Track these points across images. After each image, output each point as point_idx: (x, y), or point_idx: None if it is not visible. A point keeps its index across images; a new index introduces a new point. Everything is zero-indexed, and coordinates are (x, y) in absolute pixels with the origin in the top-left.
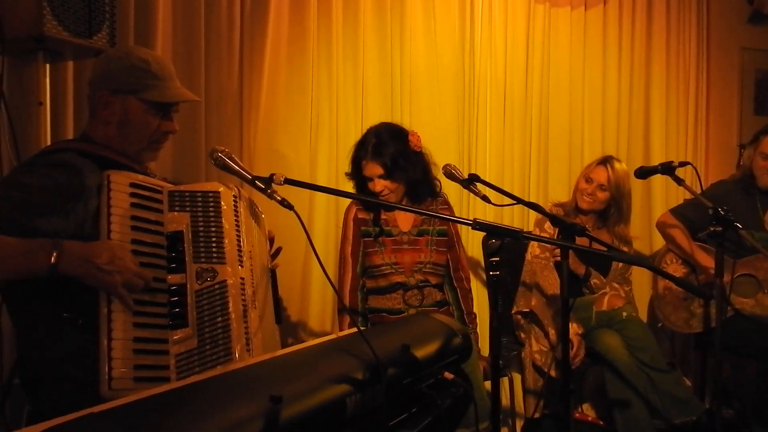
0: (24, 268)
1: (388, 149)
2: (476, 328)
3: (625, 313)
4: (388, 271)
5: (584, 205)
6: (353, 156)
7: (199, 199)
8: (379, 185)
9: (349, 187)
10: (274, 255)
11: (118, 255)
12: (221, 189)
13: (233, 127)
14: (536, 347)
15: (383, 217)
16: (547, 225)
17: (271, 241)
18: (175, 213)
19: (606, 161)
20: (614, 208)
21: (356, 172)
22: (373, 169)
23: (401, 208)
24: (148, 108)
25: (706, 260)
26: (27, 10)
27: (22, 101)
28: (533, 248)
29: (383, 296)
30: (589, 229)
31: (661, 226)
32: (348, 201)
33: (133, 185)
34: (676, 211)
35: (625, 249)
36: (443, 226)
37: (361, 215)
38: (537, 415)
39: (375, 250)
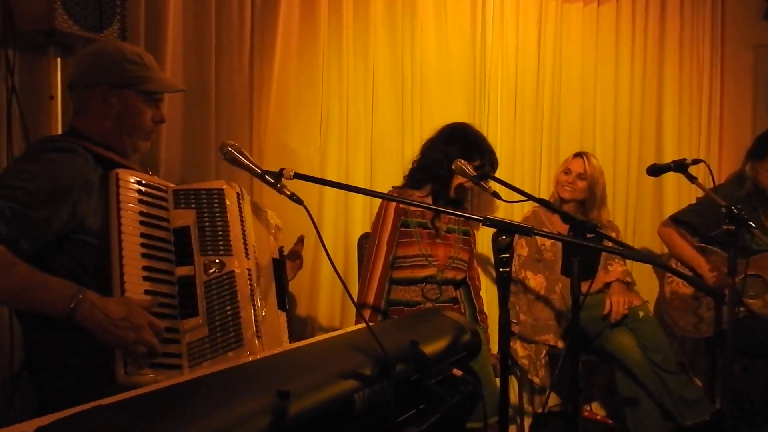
0: (40, 304)
1: None
2: (487, 328)
3: (641, 313)
4: (422, 263)
5: (566, 195)
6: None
7: (204, 196)
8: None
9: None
10: (297, 243)
11: (134, 312)
12: (225, 186)
13: (243, 122)
14: (522, 352)
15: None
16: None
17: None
18: (181, 210)
19: (582, 154)
20: (589, 196)
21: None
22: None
23: (423, 206)
24: (144, 99)
25: (704, 269)
26: (38, 5)
27: (34, 95)
28: (521, 249)
29: (403, 288)
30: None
31: (663, 234)
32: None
33: (138, 183)
34: (676, 219)
35: (613, 234)
36: (466, 226)
37: (402, 206)
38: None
39: (412, 240)
